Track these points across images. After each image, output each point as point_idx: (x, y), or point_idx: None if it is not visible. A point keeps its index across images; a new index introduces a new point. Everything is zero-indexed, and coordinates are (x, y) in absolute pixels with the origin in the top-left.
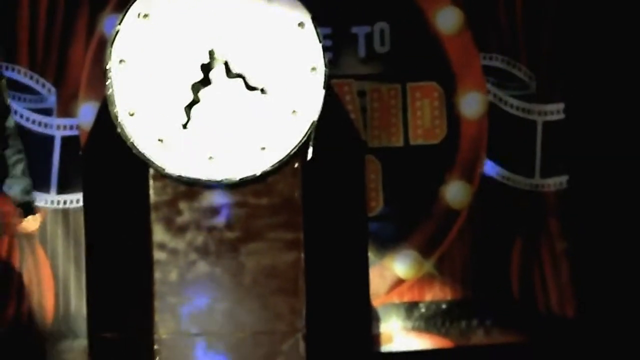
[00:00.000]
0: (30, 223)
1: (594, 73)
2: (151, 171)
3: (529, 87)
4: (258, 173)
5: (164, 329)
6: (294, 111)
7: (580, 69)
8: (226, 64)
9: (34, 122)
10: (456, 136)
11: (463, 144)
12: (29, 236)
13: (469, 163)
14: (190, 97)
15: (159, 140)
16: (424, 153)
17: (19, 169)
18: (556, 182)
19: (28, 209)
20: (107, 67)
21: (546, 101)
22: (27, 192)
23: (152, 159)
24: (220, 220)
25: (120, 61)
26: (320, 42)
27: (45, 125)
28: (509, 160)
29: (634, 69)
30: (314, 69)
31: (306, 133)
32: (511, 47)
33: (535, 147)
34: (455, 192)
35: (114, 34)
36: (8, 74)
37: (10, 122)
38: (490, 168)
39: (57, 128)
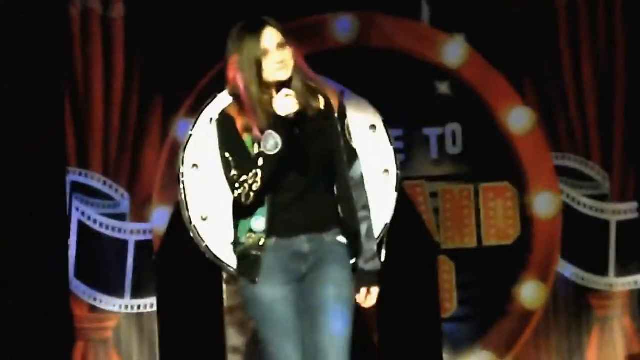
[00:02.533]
0: (369, 299)
1: None
2: (224, 275)
3: (602, 186)
4: None
5: None
6: None
7: None
8: None
9: (107, 227)
10: (530, 236)
11: (537, 243)
12: (103, 341)
13: (543, 263)
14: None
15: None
16: (497, 253)
17: (363, 229)
18: (630, 282)
19: (369, 279)
20: (180, 171)
21: (620, 200)
22: (372, 259)
23: (225, 263)
24: None
25: (193, 165)
26: (392, 144)
27: (119, 230)
28: (583, 259)
29: None
30: (386, 171)
31: (379, 236)
32: (584, 147)
33: (609, 246)
34: (529, 292)
35: (187, 138)
36: (81, 179)
37: (357, 171)
38: (564, 267)
39: (131, 233)
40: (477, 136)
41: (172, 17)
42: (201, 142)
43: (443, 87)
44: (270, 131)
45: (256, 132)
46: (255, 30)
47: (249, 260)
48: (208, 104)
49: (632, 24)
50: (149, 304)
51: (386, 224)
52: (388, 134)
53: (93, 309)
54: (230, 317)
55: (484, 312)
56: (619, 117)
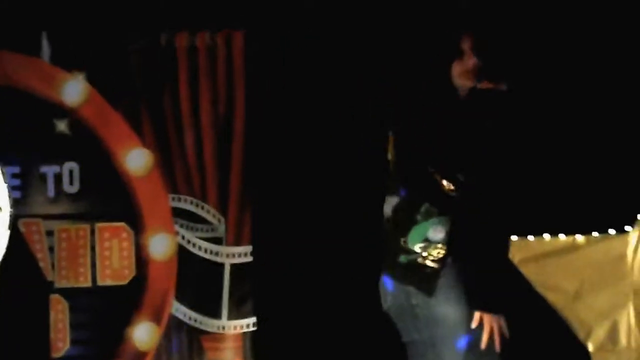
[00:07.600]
0: None
1: None
2: None
3: (217, 229)
4: None
5: None
6: None
7: None
8: None
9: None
10: (144, 277)
11: (151, 285)
12: None
13: (157, 304)
14: None
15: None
16: (112, 293)
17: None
18: (242, 324)
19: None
20: None
21: (235, 244)
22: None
23: None
24: None
25: None
26: (6, 182)
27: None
28: (197, 301)
29: None
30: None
31: None
32: (200, 189)
33: (222, 289)
34: (142, 334)
35: None
36: None
37: None
38: (178, 309)
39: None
40: (95, 176)
41: None
42: None
43: (62, 126)
44: None
45: None
46: None
47: (420, 272)
48: None
49: (251, 70)
50: None
51: None
52: (2, 171)
53: None
54: None
55: (96, 353)
56: (235, 162)
